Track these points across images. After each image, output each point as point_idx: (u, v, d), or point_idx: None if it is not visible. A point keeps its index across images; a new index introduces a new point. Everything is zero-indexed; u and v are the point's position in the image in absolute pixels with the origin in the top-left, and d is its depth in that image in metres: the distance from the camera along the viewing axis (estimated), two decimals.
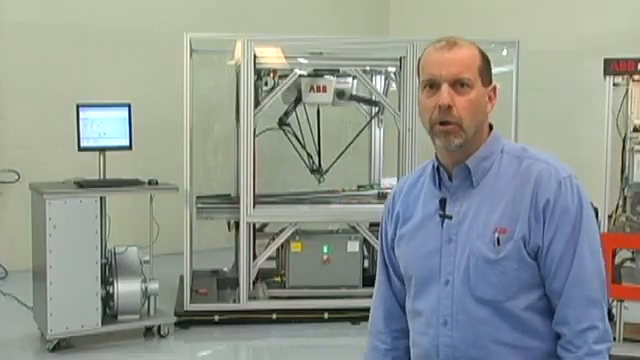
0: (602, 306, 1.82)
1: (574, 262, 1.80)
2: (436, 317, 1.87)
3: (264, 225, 6.17)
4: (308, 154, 6.42)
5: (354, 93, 6.30)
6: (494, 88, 1.91)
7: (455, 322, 1.84)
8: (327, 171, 6.47)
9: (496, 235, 1.80)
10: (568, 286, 1.80)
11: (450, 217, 1.87)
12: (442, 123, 1.81)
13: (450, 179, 1.89)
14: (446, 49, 1.83)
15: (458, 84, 1.81)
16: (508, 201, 1.82)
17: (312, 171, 6.47)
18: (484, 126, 1.90)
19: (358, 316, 5.50)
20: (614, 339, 4.75)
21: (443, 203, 1.88)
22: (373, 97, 6.43)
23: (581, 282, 1.80)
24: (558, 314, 1.82)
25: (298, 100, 6.15)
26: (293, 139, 6.30)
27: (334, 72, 6.08)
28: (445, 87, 1.80)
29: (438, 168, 1.91)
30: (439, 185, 1.91)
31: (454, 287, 1.84)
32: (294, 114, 6.32)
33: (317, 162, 6.45)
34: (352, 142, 6.60)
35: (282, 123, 6.22)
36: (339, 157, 6.51)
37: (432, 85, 1.83)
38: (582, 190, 1.84)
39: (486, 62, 1.89)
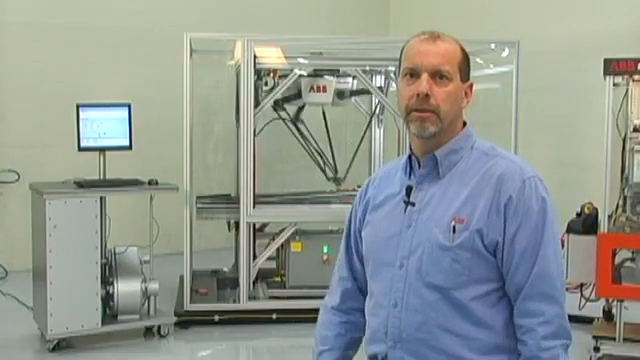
0: (561, 304, 1.87)
1: (538, 260, 1.85)
2: (387, 299, 1.93)
3: (264, 225, 6.17)
4: (321, 156, 6.40)
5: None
6: (470, 85, 1.98)
7: (405, 305, 1.90)
8: (345, 177, 6.46)
9: (452, 224, 1.86)
10: (530, 282, 1.85)
11: (413, 204, 1.94)
12: (419, 110, 1.88)
13: (420, 168, 1.96)
14: (429, 41, 1.92)
15: (437, 75, 1.89)
16: (470, 194, 1.88)
17: (329, 179, 6.47)
18: (458, 120, 1.97)
19: None
20: (614, 339, 4.77)
21: (409, 190, 1.95)
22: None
23: (543, 279, 1.85)
24: (518, 307, 1.87)
25: (297, 97, 6.13)
26: (303, 142, 6.28)
27: (334, 72, 6.08)
28: (425, 76, 1.88)
29: (410, 157, 1.98)
30: (409, 174, 1.99)
31: (407, 271, 1.91)
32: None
33: (334, 169, 6.45)
34: (360, 144, 6.58)
35: (297, 119, 6.19)
36: (352, 161, 6.49)
37: (412, 74, 1.91)
38: (546, 192, 1.89)
39: (466, 59, 1.96)
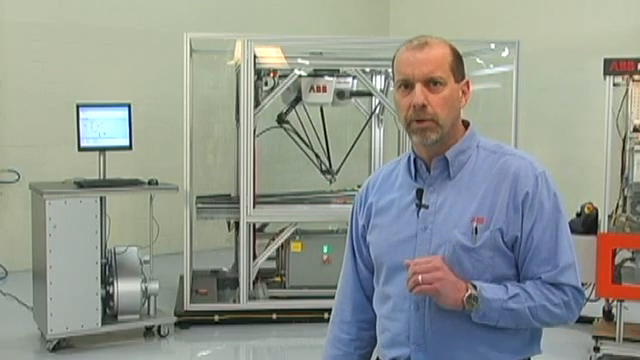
0: (580, 289, 1.91)
1: (554, 251, 1.87)
2: (408, 303, 1.92)
3: (264, 225, 6.17)
4: (315, 154, 6.41)
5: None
6: (467, 83, 1.95)
7: (427, 307, 1.89)
8: (338, 171, 6.45)
9: (474, 224, 1.86)
10: (546, 272, 1.86)
11: (426, 206, 1.92)
12: (418, 120, 1.87)
13: (428, 170, 1.95)
14: (417, 49, 1.88)
15: (431, 83, 1.87)
16: (485, 193, 1.89)
17: (323, 172, 6.46)
18: (459, 120, 1.96)
19: None
20: (614, 339, 4.77)
21: (420, 193, 1.94)
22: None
23: (558, 270, 1.87)
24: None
25: (298, 99, 6.15)
26: (296, 138, 6.27)
27: (334, 72, 6.08)
28: (418, 87, 1.86)
29: (415, 160, 1.97)
30: (415, 177, 1.97)
31: None
32: (296, 115, 6.31)
33: (327, 163, 6.45)
34: (356, 141, 6.59)
35: (281, 120, 6.19)
36: (346, 157, 6.50)
37: (406, 85, 1.89)
38: (554, 185, 1.92)
39: (457, 58, 1.93)
